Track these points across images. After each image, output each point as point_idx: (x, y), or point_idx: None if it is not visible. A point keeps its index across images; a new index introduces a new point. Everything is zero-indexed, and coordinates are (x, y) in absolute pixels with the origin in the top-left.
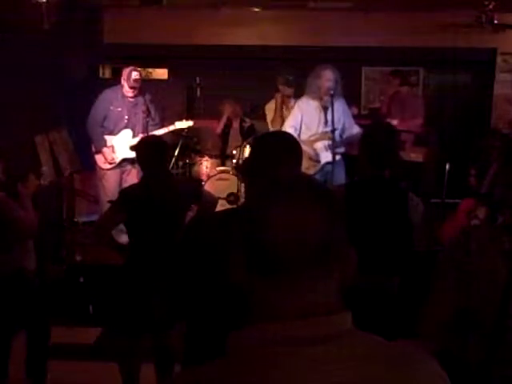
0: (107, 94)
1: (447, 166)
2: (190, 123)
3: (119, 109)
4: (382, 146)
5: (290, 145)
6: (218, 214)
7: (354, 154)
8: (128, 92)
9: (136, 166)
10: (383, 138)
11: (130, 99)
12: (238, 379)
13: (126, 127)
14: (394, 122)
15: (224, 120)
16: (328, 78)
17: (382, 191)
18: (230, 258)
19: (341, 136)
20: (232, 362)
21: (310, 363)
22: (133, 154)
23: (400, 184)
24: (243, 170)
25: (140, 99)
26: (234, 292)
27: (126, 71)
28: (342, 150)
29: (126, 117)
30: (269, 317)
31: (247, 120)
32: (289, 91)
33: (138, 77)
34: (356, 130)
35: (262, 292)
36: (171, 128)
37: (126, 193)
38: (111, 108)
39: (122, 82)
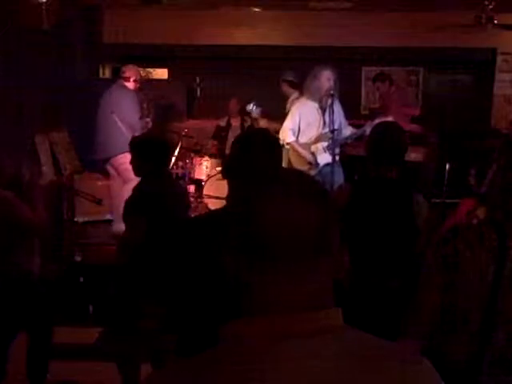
0: (129, 95)
1: (447, 166)
2: None
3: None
4: (389, 146)
5: (268, 142)
6: (205, 215)
7: (352, 153)
8: (136, 88)
9: None
10: (390, 138)
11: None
12: (223, 371)
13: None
14: (389, 118)
15: (226, 119)
16: (328, 78)
17: (387, 191)
18: (224, 250)
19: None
20: (219, 355)
21: (294, 357)
22: None
23: (406, 184)
24: (224, 172)
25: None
26: (226, 287)
27: (133, 70)
28: (337, 150)
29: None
30: (257, 311)
31: (248, 119)
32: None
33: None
34: (349, 131)
35: (252, 285)
36: None
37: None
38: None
39: (131, 80)
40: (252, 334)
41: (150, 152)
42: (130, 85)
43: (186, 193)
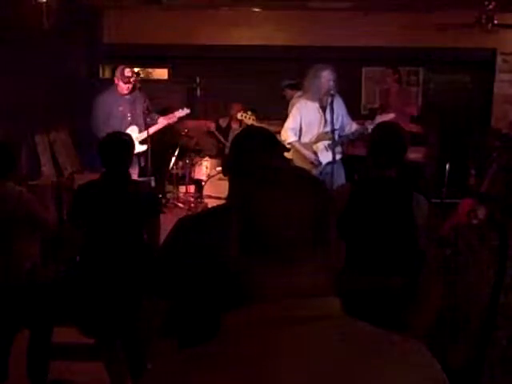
0: (105, 97)
1: (447, 166)
2: (187, 111)
3: (120, 108)
4: (390, 146)
5: (260, 137)
6: (203, 213)
7: (353, 153)
8: (123, 89)
9: (141, 159)
10: (391, 138)
11: (127, 97)
12: (224, 359)
13: (131, 124)
14: (391, 116)
15: (227, 120)
16: (328, 78)
17: (387, 191)
18: (224, 242)
19: (340, 135)
20: (222, 344)
21: (294, 344)
22: (141, 148)
23: (406, 184)
24: (224, 169)
25: (137, 96)
26: (228, 280)
27: (118, 70)
28: (340, 149)
29: (129, 114)
30: (257, 300)
31: (249, 119)
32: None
33: (129, 73)
34: (354, 126)
35: (251, 274)
36: (169, 120)
37: (80, 194)
38: (113, 109)
39: (116, 80)
40: (251, 322)
41: (108, 150)
42: (117, 85)
43: (144, 199)
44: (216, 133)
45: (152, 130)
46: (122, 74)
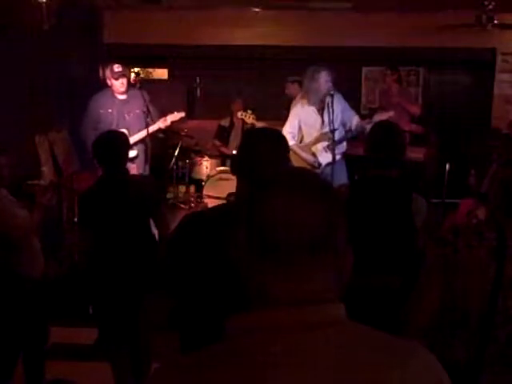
0: (97, 99)
1: (447, 166)
2: (182, 114)
3: (109, 110)
4: (387, 145)
5: (273, 140)
6: (208, 211)
7: (355, 153)
8: (118, 88)
9: (134, 162)
10: (388, 138)
11: (121, 97)
12: (228, 365)
13: (117, 127)
14: (390, 114)
15: (229, 119)
16: (326, 79)
17: (385, 191)
18: (231, 240)
19: (345, 131)
20: (224, 349)
21: (296, 351)
22: (131, 154)
23: (405, 183)
24: (232, 168)
25: (133, 97)
26: (232, 281)
27: (107, 70)
28: (343, 149)
29: (119, 117)
30: (263, 303)
31: (249, 117)
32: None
33: (119, 68)
34: (355, 121)
35: (258, 278)
36: (161, 124)
37: (84, 199)
38: (101, 111)
39: (108, 81)
40: (255, 328)
41: (104, 149)
42: (111, 86)
43: (148, 192)
44: (218, 142)
45: (138, 136)
46: (112, 70)
